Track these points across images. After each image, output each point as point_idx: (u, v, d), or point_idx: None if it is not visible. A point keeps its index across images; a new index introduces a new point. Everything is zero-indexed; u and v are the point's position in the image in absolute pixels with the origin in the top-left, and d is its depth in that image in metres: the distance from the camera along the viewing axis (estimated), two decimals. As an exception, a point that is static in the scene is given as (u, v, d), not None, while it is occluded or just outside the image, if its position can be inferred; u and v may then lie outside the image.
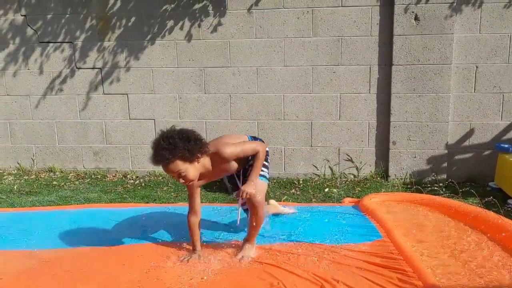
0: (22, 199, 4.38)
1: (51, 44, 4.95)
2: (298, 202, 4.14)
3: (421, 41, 4.44)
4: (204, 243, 3.00)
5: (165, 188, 4.64)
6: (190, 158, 2.64)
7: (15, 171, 5.23)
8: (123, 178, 5.02)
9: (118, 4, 4.79)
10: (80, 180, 4.95)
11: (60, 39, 4.92)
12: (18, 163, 5.23)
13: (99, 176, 5.06)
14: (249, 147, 2.84)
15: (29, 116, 5.12)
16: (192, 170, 2.68)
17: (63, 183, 4.85)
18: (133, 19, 4.79)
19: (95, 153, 5.15)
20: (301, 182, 4.76)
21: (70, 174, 5.12)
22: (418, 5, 4.38)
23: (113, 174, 5.11)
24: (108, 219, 3.60)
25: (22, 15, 4.92)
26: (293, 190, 4.54)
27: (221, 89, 4.83)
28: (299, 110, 4.78)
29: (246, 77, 4.77)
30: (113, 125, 5.07)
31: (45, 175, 5.11)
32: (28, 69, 5.02)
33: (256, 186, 2.79)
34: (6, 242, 3.23)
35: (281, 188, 4.62)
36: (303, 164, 4.88)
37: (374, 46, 4.57)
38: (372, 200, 3.76)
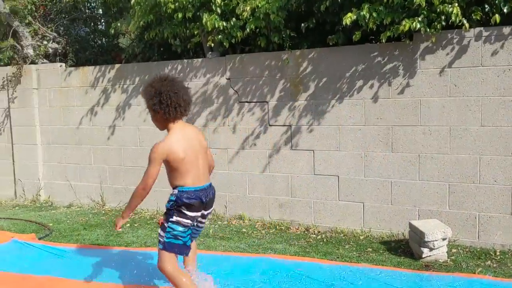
0: (216, 243, 4.80)
1: (247, 104, 5.47)
2: (495, 277, 3.75)
3: None
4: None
5: (347, 247, 4.62)
6: (148, 103, 3.00)
7: (211, 216, 5.78)
8: (305, 232, 5.15)
9: (310, 68, 5.10)
10: (266, 230, 5.24)
11: (255, 99, 5.41)
12: (214, 210, 5.78)
13: (283, 228, 5.29)
14: (146, 174, 2.93)
15: (225, 168, 5.66)
16: (152, 114, 3.03)
17: (251, 231, 5.19)
18: (323, 79, 5.04)
19: (280, 205, 5.41)
20: (498, 253, 4.29)
21: (257, 223, 5.45)
22: None
23: (296, 227, 5.28)
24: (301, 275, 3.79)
25: (227, 78, 5.57)
26: (489, 262, 4.12)
27: (409, 148, 4.71)
28: (498, 173, 4.37)
29: (437, 136, 4.58)
30: (298, 179, 5.29)
31: (235, 222, 5.53)
32: (228, 125, 5.60)
33: (160, 256, 2.99)
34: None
35: (475, 258, 4.22)
36: (501, 234, 4.40)
37: None
38: None
